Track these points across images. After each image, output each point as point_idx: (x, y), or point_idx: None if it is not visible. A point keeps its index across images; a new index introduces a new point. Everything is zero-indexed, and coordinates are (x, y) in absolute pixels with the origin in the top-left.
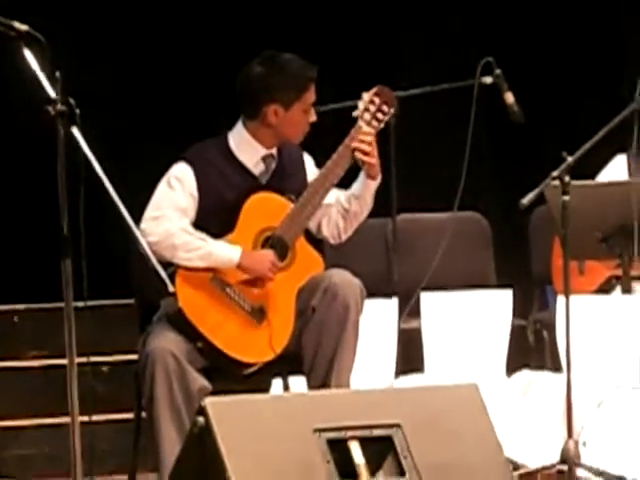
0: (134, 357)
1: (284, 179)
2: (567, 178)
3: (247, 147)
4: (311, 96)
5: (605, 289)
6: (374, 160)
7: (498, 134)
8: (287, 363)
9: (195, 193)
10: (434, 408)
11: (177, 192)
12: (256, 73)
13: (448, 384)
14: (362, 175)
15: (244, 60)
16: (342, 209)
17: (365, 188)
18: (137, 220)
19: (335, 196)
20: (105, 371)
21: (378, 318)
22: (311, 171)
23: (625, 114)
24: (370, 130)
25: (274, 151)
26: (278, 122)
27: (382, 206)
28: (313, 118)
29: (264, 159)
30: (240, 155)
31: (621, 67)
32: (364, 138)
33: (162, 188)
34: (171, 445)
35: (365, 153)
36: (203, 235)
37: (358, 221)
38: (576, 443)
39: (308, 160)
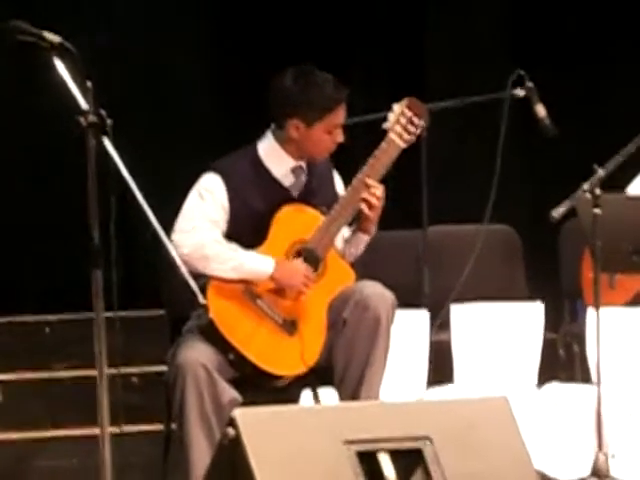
0: (164, 368)
1: (315, 192)
2: (598, 191)
3: (276, 157)
4: (337, 118)
5: (636, 303)
6: (375, 215)
7: (529, 146)
8: (318, 375)
9: (226, 204)
10: (464, 421)
11: (208, 203)
12: (286, 85)
13: (478, 397)
14: (354, 227)
15: (272, 72)
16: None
17: (360, 241)
18: (168, 230)
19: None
20: (135, 382)
21: (409, 330)
22: (339, 187)
23: None
24: (379, 190)
25: (303, 163)
26: (299, 137)
27: (413, 218)
28: (340, 139)
29: (293, 170)
30: (270, 165)
31: None
32: (375, 192)
33: (193, 199)
34: (201, 456)
35: (370, 206)
36: (235, 246)
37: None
38: (606, 456)
39: (336, 177)
